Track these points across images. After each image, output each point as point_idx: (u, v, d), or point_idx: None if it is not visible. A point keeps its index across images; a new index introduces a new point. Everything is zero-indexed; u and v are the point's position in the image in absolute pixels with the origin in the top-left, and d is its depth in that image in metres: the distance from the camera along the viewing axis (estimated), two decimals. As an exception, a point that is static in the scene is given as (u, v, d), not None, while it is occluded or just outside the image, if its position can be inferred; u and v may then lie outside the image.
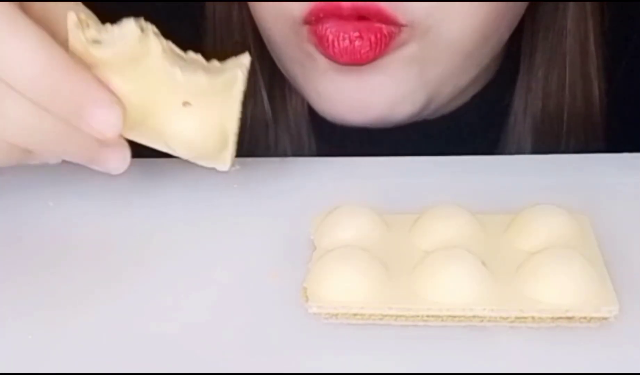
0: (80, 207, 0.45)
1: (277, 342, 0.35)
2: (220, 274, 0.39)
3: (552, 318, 0.35)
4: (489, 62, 0.54)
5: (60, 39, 0.39)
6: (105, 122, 0.39)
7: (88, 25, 0.39)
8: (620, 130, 0.58)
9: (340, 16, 0.47)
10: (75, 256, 0.41)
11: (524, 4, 0.53)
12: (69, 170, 0.47)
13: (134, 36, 0.39)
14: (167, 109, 0.40)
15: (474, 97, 0.56)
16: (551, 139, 0.57)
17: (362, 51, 0.47)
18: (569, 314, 0.35)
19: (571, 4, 0.55)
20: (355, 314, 0.35)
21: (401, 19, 0.47)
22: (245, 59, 0.40)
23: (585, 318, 0.35)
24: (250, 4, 0.52)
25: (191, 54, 0.41)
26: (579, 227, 0.39)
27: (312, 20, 0.48)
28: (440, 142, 0.51)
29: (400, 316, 0.35)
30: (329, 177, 0.46)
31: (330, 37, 0.47)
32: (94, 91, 0.39)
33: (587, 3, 0.55)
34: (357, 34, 0.47)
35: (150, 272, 0.40)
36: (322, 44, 0.48)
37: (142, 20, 0.39)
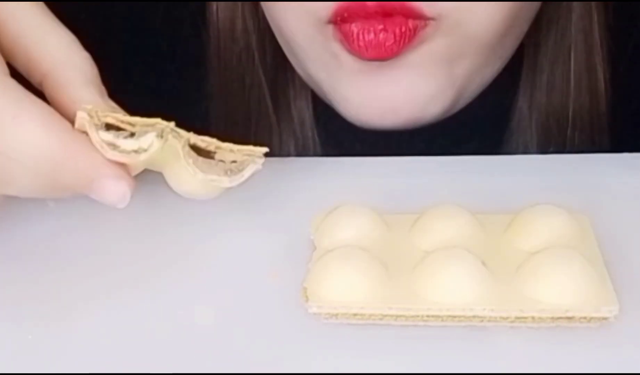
0: (80, 207, 0.45)
1: (277, 342, 0.35)
2: (220, 274, 0.39)
3: (552, 318, 0.35)
4: (511, 54, 0.54)
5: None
6: (115, 193, 0.38)
7: (100, 121, 0.38)
8: (625, 122, 0.58)
9: (365, 15, 0.47)
10: (76, 257, 0.41)
11: (537, 7, 0.53)
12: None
13: (154, 149, 0.38)
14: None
15: (478, 95, 0.56)
16: (557, 132, 0.57)
17: (387, 44, 0.47)
18: (569, 314, 0.35)
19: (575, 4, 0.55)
20: (355, 314, 0.35)
21: (427, 12, 0.47)
22: (259, 160, 0.41)
23: (585, 318, 0.35)
24: (268, 6, 0.52)
25: (211, 145, 0.40)
26: (579, 227, 0.39)
27: (338, 20, 0.47)
28: (446, 141, 0.51)
29: (400, 316, 0.35)
30: (329, 177, 0.46)
31: (355, 31, 0.47)
32: (103, 167, 0.38)
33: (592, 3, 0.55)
34: (381, 26, 0.46)
35: (150, 272, 0.40)
36: (347, 39, 0.48)
37: (161, 125, 0.38)
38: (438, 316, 0.35)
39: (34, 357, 0.35)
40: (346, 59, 0.49)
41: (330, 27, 0.48)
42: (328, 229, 0.40)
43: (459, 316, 0.35)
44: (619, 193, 0.43)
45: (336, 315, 0.36)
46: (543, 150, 0.57)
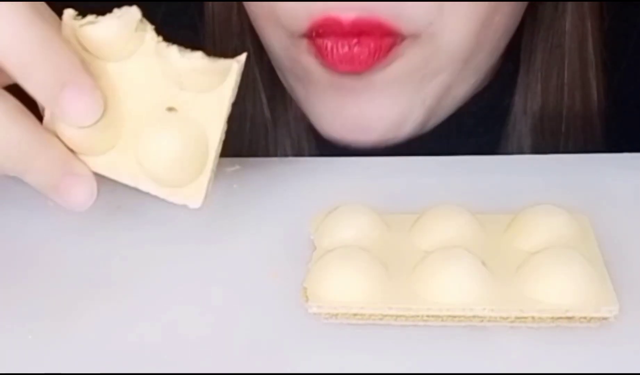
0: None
1: (277, 341, 0.35)
2: (220, 274, 0.39)
3: (552, 318, 0.35)
4: (487, 68, 0.54)
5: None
6: (84, 108, 0.36)
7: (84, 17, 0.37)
8: (619, 131, 0.58)
9: (340, 33, 0.46)
10: (75, 257, 0.41)
11: (521, 6, 0.53)
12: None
13: (134, 18, 0.37)
14: (148, 119, 0.38)
15: (474, 98, 0.56)
16: (550, 139, 0.57)
17: (362, 57, 0.47)
18: (569, 314, 0.35)
19: (569, 5, 0.55)
20: (355, 314, 0.35)
21: (404, 30, 0.47)
22: (241, 57, 0.38)
23: (585, 318, 0.35)
24: (249, 13, 0.52)
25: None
26: (579, 227, 0.39)
27: (312, 35, 0.47)
28: (440, 144, 0.51)
29: (400, 316, 0.35)
30: (329, 177, 0.46)
31: (329, 45, 0.47)
32: (78, 73, 0.36)
33: (586, 4, 0.55)
34: (355, 40, 0.46)
35: (150, 271, 0.40)
36: (320, 52, 0.47)
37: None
38: (438, 316, 0.35)
39: (34, 357, 0.35)
40: (319, 73, 0.49)
41: (304, 41, 0.48)
42: (328, 229, 0.40)
43: (459, 316, 0.35)
44: (619, 193, 0.43)
45: (336, 315, 0.36)
46: (537, 150, 0.57)
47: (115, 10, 0.37)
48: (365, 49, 0.46)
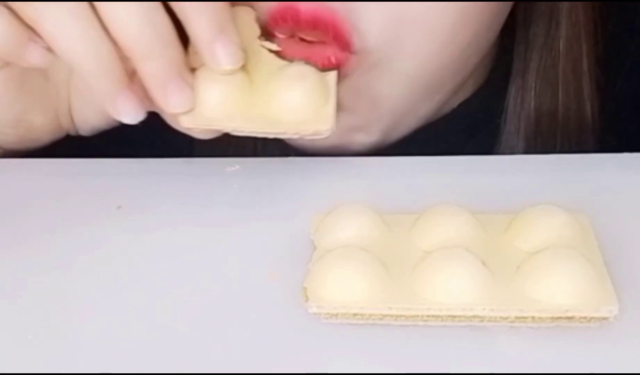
0: (78, 207, 0.45)
1: (277, 342, 0.35)
2: (220, 274, 0.39)
3: (552, 318, 0.35)
4: (453, 85, 0.52)
5: None
6: (233, 52, 0.43)
7: None
8: (612, 144, 0.57)
9: (296, 24, 0.46)
10: (75, 255, 0.41)
11: (493, 21, 0.51)
12: (66, 170, 0.47)
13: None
14: (271, 71, 0.44)
15: (465, 102, 0.55)
16: (546, 133, 0.57)
17: (317, 54, 0.46)
18: (569, 314, 0.35)
19: (564, 24, 0.55)
20: (355, 314, 0.35)
21: (355, 42, 0.46)
22: None
23: (585, 318, 0.35)
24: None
25: None
26: (579, 227, 0.39)
27: (272, 25, 0.47)
28: (429, 149, 0.50)
29: (400, 316, 0.35)
30: (329, 177, 0.46)
31: (279, 54, 0.46)
32: (230, 24, 0.43)
33: (581, 25, 0.55)
34: (303, 57, 0.46)
35: (149, 271, 0.40)
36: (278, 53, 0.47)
37: None
38: (438, 316, 0.35)
39: (34, 357, 0.35)
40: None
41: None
42: (328, 229, 0.40)
43: (459, 316, 0.35)
44: (619, 193, 0.43)
45: (336, 315, 0.36)
46: (533, 150, 0.57)
47: None
48: (320, 50, 0.46)
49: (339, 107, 0.46)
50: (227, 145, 0.58)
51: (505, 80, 0.57)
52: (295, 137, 0.44)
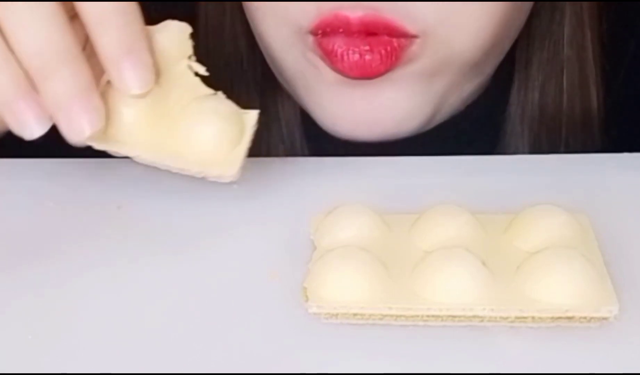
0: (78, 207, 0.45)
1: (277, 342, 0.35)
2: (220, 274, 0.39)
3: (552, 318, 0.35)
4: (493, 69, 0.53)
5: None
6: (141, 76, 0.40)
7: None
8: (618, 138, 0.58)
9: (347, 32, 0.46)
10: (75, 256, 0.41)
11: (527, 12, 0.53)
12: (66, 170, 0.47)
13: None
14: (187, 102, 0.41)
15: (469, 106, 0.56)
16: (548, 149, 0.57)
17: (373, 65, 0.46)
18: (569, 314, 0.35)
19: (568, 13, 0.55)
20: (355, 314, 0.35)
21: (411, 29, 0.46)
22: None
23: (585, 318, 0.35)
24: (250, 10, 0.51)
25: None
26: (579, 227, 0.39)
27: (319, 33, 0.47)
28: (437, 149, 0.51)
29: (400, 316, 0.35)
30: (329, 177, 0.46)
31: (339, 51, 0.46)
32: (142, 44, 0.40)
33: (585, 12, 0.55)
34: (367, 47, 0.46)
35: (149, 271, 0.40)
36: (330, 57, 0.47)
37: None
38: (438, 316, 0.35)
39: (34, 357, 0.35)
40: (326, 71, 0.48)
41: (310, 39, 0.48)
42: (328, 229, 0.40)
43: (459, 316, 0.35)
44: (619, 193, 0.43)
45: (336, 315, 0.36)
46: (537, 149, 0.57)
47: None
48: (377, 56, 0.46)
49: (396, 94, 0.47)
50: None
51: (509, 80, 0.57)
52: (198, 176, 0.41)
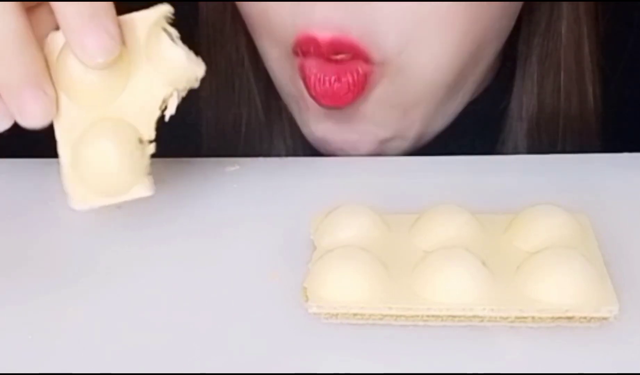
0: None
1: (277, 342, 0.35)
2: (220, 274, 0.39)
3: (552, 318, 0.35)
4: (479, 78, 0.53)
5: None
6: (35, 110, 0.39)
7: None
8: (615, 134, 0.58)
9: (318, 52, 0.47)
10: (75, 256, 0.41)
11: (509, 12, 0.52)
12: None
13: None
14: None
15: (469, 104, 0.56)
16: (547, 144, 0.57)
17: (341, 93, 0.47)
18: (569, 314, 0.35)
19: (565, 9, 0.55)
20: (355, 314, 0.35)
21: (375, 55, 0.47)
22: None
23: (585, 318, 0.35)
24: (249, 27, 0.52)
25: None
26: (579, 227, 0.39)
27: (298, 52, 0.48)
28: (436, 150, 0.51)
29: (400, 316, 0.35)
30: (328, 177, 0.46)
31: (312, 79, 0.48)
32: (37, 76, 0.39)
33: (581, 8, 0.55)
34: (335, 76, 0.47)
35: (149, 271, 0.40)
36: (306, 83, 0.48)
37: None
38: (438, 316, 0.35)
39: (34, 357, 0.35)
40: (309, 99, 0.49)
41: (296, 60, 0.49)
42: (328, 229, 0.40)
43: (459, 316, 0.35)
44: (619, 193, 0.43)
45: (336, 315, 0.36)
46: (535, 149, 0.57)
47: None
48: (345, 85, 0.47)
49: (372, 125, 0.48)
50: (236, 146, 0.58)
51: (508, 84, 0.57)
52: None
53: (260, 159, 0.49)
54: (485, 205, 0.41)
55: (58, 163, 0.41)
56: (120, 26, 0.39)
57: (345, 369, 0.33)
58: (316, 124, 0.51)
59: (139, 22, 0.40)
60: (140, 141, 0.39)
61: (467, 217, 0.39)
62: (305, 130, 0.53)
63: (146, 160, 0.39)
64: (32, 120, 0.39)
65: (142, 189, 0.39)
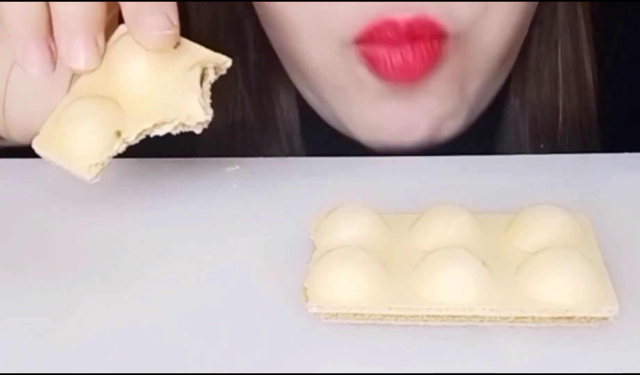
0: (78, 207, 0.45)
1: (277, 342, 0.35)
2: (220, 274, 0.39)
3: (552, 318, 0.35)
4: (514, 62, 0.54)
5: None
6: (83, 55, 0.41)
7: None
8: (614, 114, 0.59)
9: (394, 36, 0.46)
10: (73, 257, 0.41)
11: (535, 6, 0.53)
12: (65, 171, 0.47)
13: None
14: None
15: None
16: (548, 127, 0.58)
17: (416, 65, 0.47)
18: (569, 314, 0.35)
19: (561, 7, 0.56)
20: (355, 314, 0.35)
21: (451, 29, 0.47)
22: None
23: (585, 318, 0.35)
24: (282, 28, 0.51)
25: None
26: (579, 227, 0.39)
27: (365, 40, 0.47)
28: (435, 149, 0.51)
29: (400, 316, 0.35)
30: (329, 177, 0.46)
31: (382, 55, 0.47)
32: (94, 26, 0.41)
33: (578, 7, 0.56)
34: (408, 48, 0.47)
35: (149, 271, 0.40)
36: (374, 63, 0.48)
37: None
38: (438, 316, 0.35)
39: (34, 357, 0.35)
40: (370, 81, 0.49)
41: (354, 49, 0.48)
42: (328, 229, 0.40)
43: (459, 316, 0.35)
44: (619, 193, 0.43)
45: (336, 315, 0.36)
46: (535, 145, 0.58)
47: None
48: (419, 57, 0.47)
49: (434, 98, 0.48)
50: (231, 145, 0.58)
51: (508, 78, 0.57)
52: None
53: (260, 159, 0.49)
54: (485, 205, 0.41)
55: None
56: (180, 43, 0.41)
57: (345, 369, 0.33)
58: (372, 110, 0.50)
59: (194, 51, 0.42)
60: (118, 134, 0.40)
61: (467, 217, 0.39)
62: (354, 123, 0.52)
63: (109, 153, 0.40)
64: (77, 64, 0.41)
65: (86, 172, 0.40)
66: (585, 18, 0.56)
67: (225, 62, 0.42)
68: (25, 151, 0.49)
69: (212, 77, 0.42)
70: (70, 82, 0.45)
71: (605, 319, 0.35)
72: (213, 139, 0.56)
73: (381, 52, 0.47)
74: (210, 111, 0.41)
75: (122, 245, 0.42)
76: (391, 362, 0.34)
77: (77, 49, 0.41)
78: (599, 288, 0.35)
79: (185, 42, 0.42)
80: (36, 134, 0.46)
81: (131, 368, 0.34)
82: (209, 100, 0.41)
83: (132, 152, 0.47)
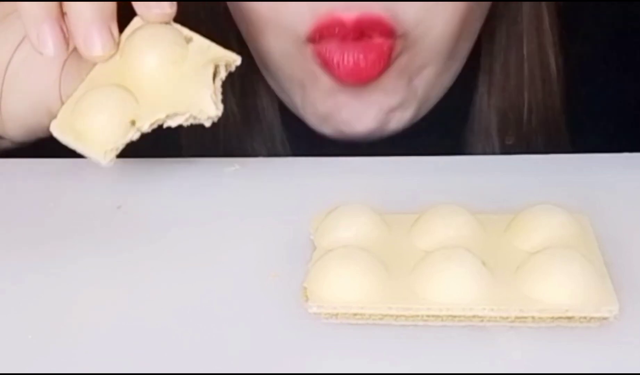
0: (79, 207, 0.45)
1: (277, 342, 0.35)
2: (220, 274, 0.39)
3: (552, 318, 0.35)
4: (466, 54, 0.55)
5: None
6: (99, 43, 0.43)
7: None
8: (578, 105, 0.60)
9: (342, 35, 0.48)
10: (75, 255, 0.41)
11: (484, 12, 0.55)
12: (66, 170, 0.47)
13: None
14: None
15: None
16: (514, 117, 0.59)
17: (367, 70, 0.49)
18: (569, 314, 0.35)
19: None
20: (355, 314, 0.35)
21: (398, 29, 0.49)
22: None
23: (585, 318, 0.35)
24: (247, 23, 0.53)
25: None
26: (579, 227, 0.39)
27: (316, 38, 0.49)
28: (408, 142, 0.51)
29: (400, 316, 0.35)
30: (329, 177, 0.46)
31: (335, 59, 0.49)
32: (109, 15, 0.43)
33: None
34: (361, 55, 0.48)
35: (149, 271, 0.40)
36: (327, 65, 0.49)
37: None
38: (438, 316, 0.35)
39: (34, 357, 0.35)
40: (324, 77, 0.51)
41: (309, 47, 0.50)
42: (328, 229, 0.40)
43: (459, 316, 0.35)
44: (619, 193, 0.43)
45: (336, 315, 0.36)
46: (502, 135, 0.60)
47: None
48: (370, 62, 0.49)
49: (381, 92, 0.50)
50: (216, 145, 0.58)
51: (475, 76, 0.59)
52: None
53: (260, 159, 0.49)
54: (485, 205, 0.42)
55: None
56: (193, 39, 0.44)
57: (345, 369, 0.33)
58: (324, 101, 0.52)
59: (206, 47, 0.44)
60: (132, 123, 0.42)
61: (467, 217, 0.39)
62: (308, 112, 0.54)
63: (124, 140, 0.42)
64: (95, 51, 0.43)
65: (102, 157, 0.42)
66: (550, 8, 0.58)
67: (235, 60, 0.43)
68: (25, 151, 0.50)
69: (223, 74, 0.43)
70: (65, 80, 0.46)
71: (605, 319, 0.35)
72: (196, 144, 0.57)
73: (333, 52, 0.49)
74: (221, 106, 0.42)
75: (122, 245, 0.42)
76: (391, 362, 0.34)
77: (93, 38, 0.43)
78: (599, 288, 0.35)
79: (198, 37, 0.44)
80: (30, 128, 0.48)
81: (131, 368, 0.34)
82: (220, 96, 0.43)
83: (132, 153, 0.47)
